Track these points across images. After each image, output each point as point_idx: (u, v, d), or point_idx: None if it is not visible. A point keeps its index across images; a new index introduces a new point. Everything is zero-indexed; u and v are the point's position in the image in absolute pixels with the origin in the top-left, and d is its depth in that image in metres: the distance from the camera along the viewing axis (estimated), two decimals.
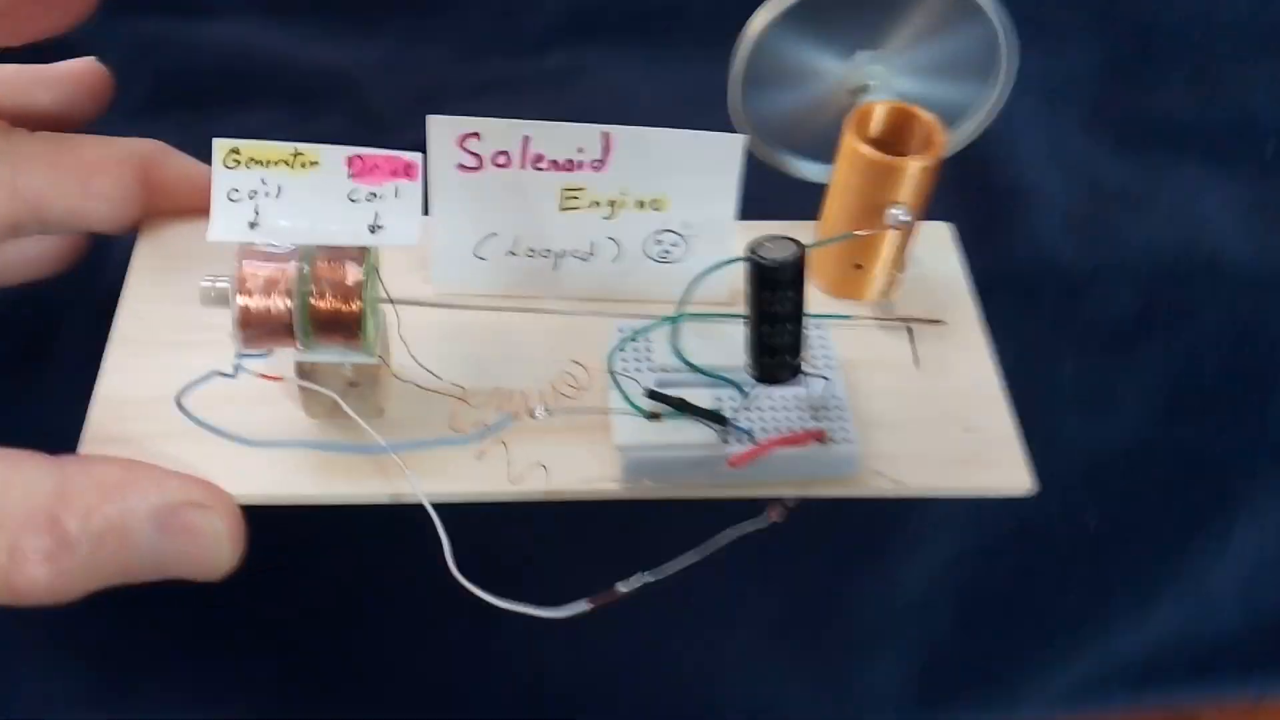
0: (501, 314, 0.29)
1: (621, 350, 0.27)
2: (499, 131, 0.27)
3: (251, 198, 0.25)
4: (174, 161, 0.30)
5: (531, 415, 0.27)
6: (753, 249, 0.24)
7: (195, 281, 0.25)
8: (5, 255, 0.29)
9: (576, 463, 0.26)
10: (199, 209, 0.29)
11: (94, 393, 0.27)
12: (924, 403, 0.27)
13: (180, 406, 0.25)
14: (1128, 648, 0.33)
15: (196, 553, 0.25)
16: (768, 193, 0.29)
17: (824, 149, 0.29)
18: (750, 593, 0.32)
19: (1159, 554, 0.33)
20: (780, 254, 0.24)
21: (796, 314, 0.25)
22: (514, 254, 0.29)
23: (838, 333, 0.28)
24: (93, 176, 0.29)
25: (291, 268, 0.25)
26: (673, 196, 0.28)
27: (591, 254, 0.29)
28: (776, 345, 0.25)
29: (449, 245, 0.29)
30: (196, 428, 0.25)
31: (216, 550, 0.25)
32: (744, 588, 0.32)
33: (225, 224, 0.25)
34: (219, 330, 0.25)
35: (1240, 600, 0.34)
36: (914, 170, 0.27)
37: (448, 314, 0.29)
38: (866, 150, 0.27)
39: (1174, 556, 0.32)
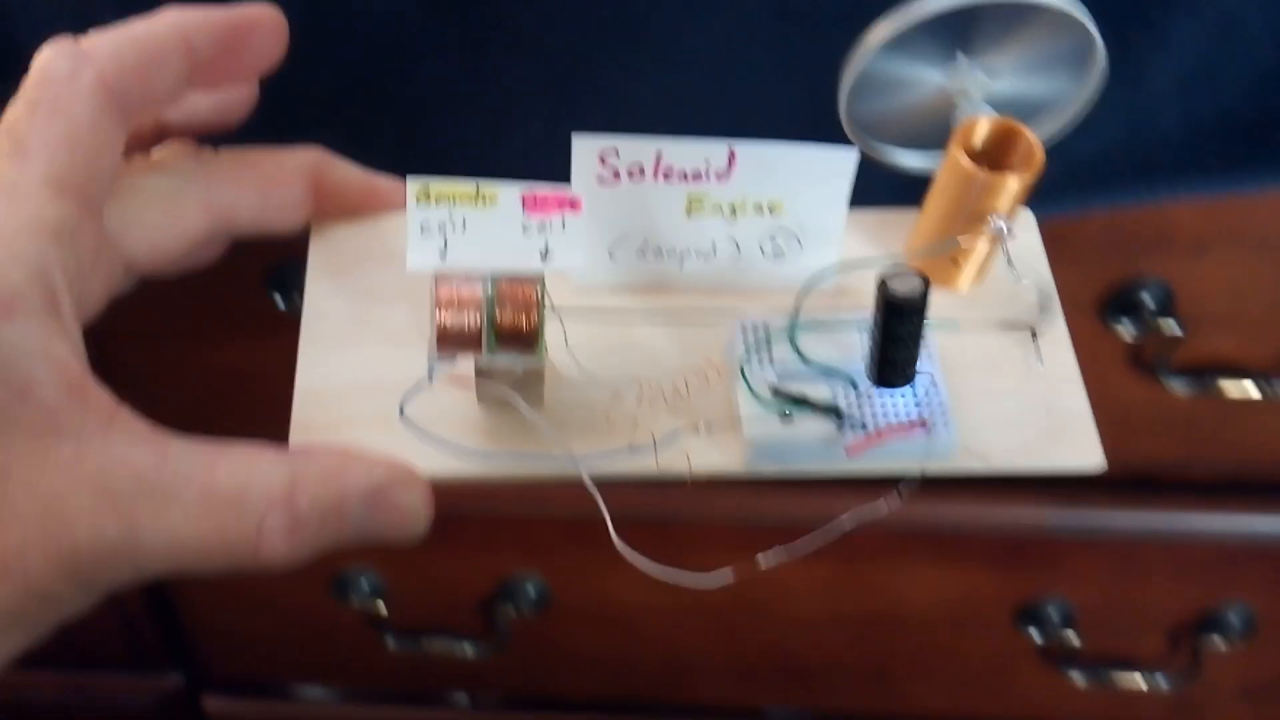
0: (637, 313, 0.33)
1: (744, 348, 0.32)
2: (634, 147, 0.31)
3: (440, 230, 0.30)
4: (338, 168, 0.34)
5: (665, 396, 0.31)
6: (884, 280, 0.28)
7: (367, 280, 0.32)
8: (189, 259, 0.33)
9: (709, 448, 0.31)
10: (361, 209, 0.34)
11: (295, 388, 0.32)
12: (1012, 393, 0.32)
13: (403, 416, 0.30)
14: (1072, 152, 0.35)
15: (398, 526, 0.30)
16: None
17: (921, 141, 0.33)
18: None
19: None
20: (908, 289, 0.29)
21: (917, 337, 0.29)
22: (643, 255, 0.33)
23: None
24: (272, 188, 0.33)
25: (479, 290, 0.30)
26: (788, 202, 0.32)
27: (713, 254, 0.33)
28: (897, 360, 0.30)
29: (588, 249, 0.33)
30: (383, 415, 0.31)
31: (415, 523, 0.30)
32: None
33: (419, 254, 0.30)
34: (391, 326, 0.32)
35: (1180, 100, 0.37)
36: (1015, 185, 0.31)
37: (594, 314, 0.33)
38: (970, 166, 0.31)
39: (1112, 56, 0.33)
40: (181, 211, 0.32)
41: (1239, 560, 0.74)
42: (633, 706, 0.90)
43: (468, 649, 0.81)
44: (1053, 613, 0.76)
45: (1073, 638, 0.77)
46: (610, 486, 0.30)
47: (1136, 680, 0.79)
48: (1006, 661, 0.81)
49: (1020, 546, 0.71)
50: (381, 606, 0.79)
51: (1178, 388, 0.62)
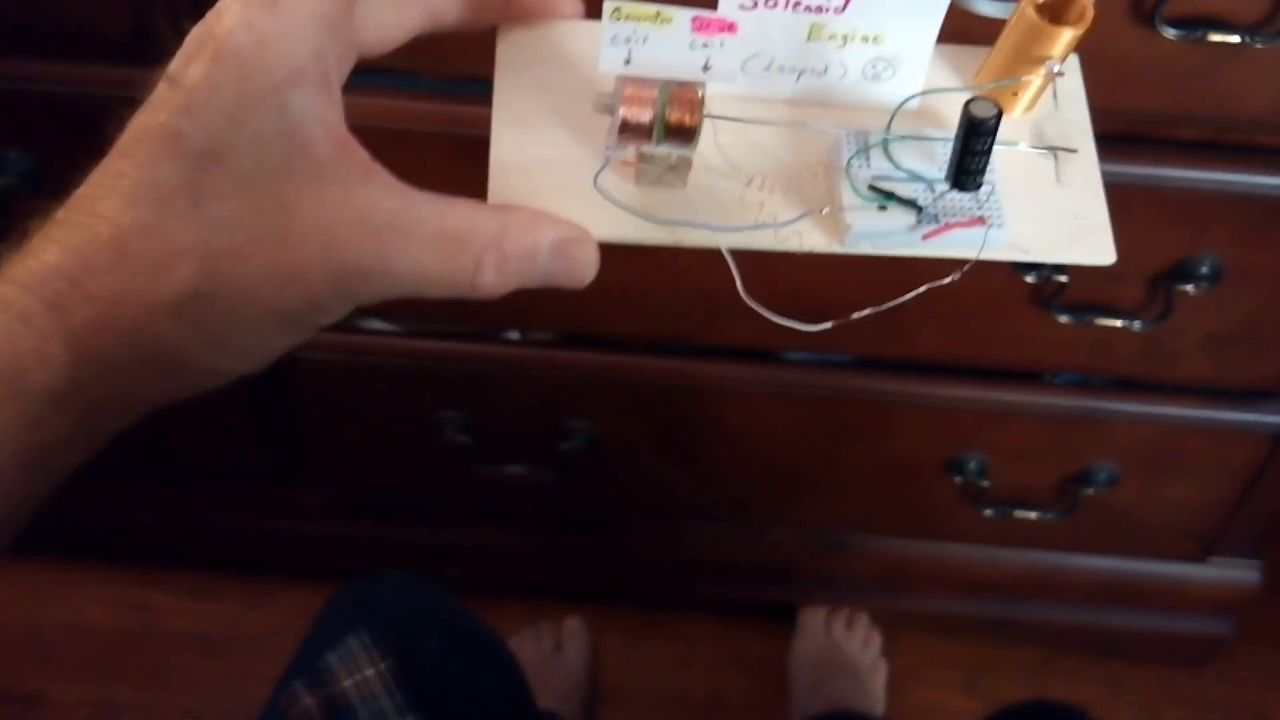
0: (765, 118, 0.43)
1: (848, 152, 0.42)
2: None
3: (627, 42, 0.40)
4: None
5: (821, 212, 0.42)
6: (968, 105, 0.39)
7: (547, 75, 0.41)
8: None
9: (818, 230, 0.42)
10: (539, 17, 0.43)
11: (490, 160, 0.42)
12: (1050, 201, 0.43)
13: (597, 188, 0.41)
14: None
15: (574, 273, 0.40)
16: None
17: None
18: None
19: None
20: (986, 113, 0.39)
21: (988, 150, 0.40)
22: (768, 70, 0.43)
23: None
24: None
25: (656, 92, 0.40)
26: (889, 34, 0.42)
27: (825, 73, 0.43)
28: (971, 169, 0.41)
29: (732, 64, 0.42)
30: (563, 186, 0.41)
31: (587, 272, 0.41)
32: None
33: (610, 60, 0.40)
34: (571, 115, 0.41)
35: None
36: (1069, 36, 0.41)
37: (731, 117, 0.43)
38: (1035, 17, 0.41)
39: None
40: (405, 10, 0.41)
41: (1213, 213, 0.87)
42: (669, 345, 1.04)
43: None
44: None
45: (1063, 279, 0.90)
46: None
47: (1115, 323, 0.93)
48: (1001, 304, 0.95)
49: None
50: None
51: (1170, 34, 0.72)
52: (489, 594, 1.14)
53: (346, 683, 0.74)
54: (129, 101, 0.37)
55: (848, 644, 1.30)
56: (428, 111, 0.84)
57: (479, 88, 0.80)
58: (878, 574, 1.28)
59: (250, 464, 1.21)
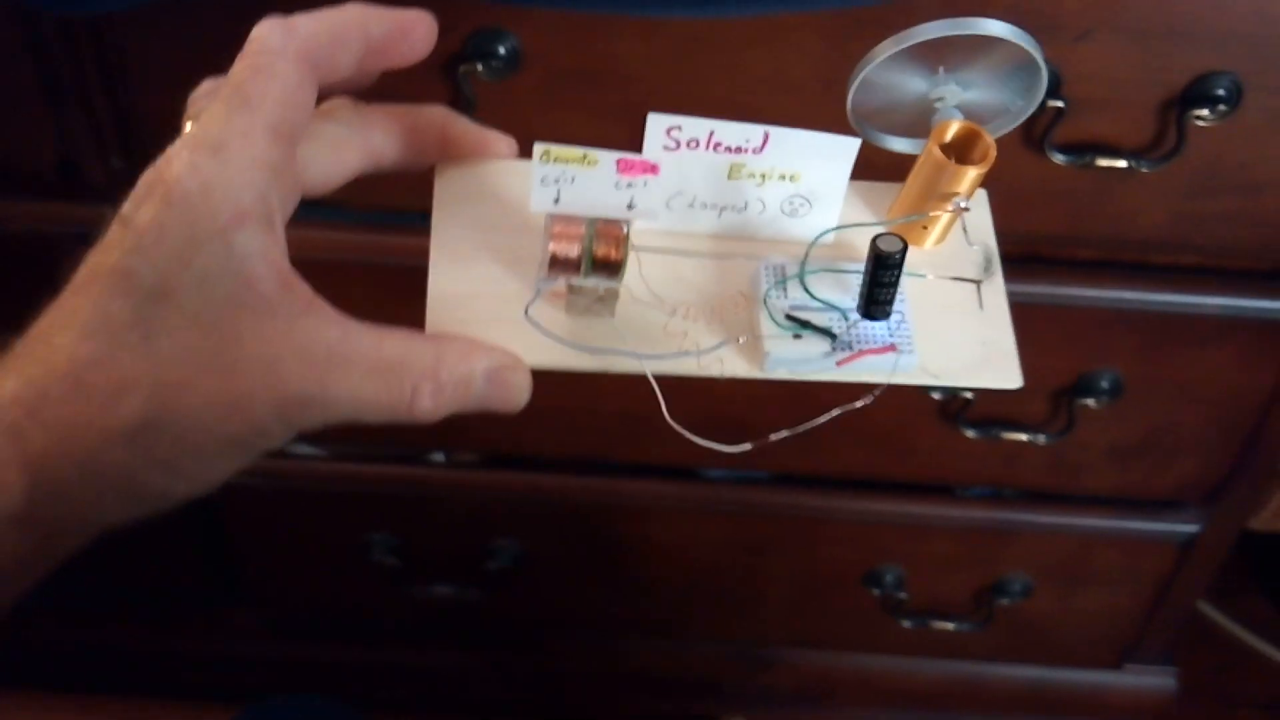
0: (687, 252, 0.46)
1: (767, 283, 0.44)
2: (693, 125, 0.43)
3: (556, 182, 0.42)
4: (460, 121, 0.45)
5: (739, 341, 0.44)
6: (875, 240, 0.41)
7: (481, 211, 0.44)
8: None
9: (738, 356, 0.44)
10: (476, 155, 0.46)
11: (429, 292, 0.44)
12: (959, 328, 0.45)
13: (529, 318, 0.42)
14: None
15: (507, 399, 0.42)
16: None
17: (907, 131, 0.45)
18: None
19: None
20: (892, 247, 0.42)
21: (895, 282, 0.42)
22: (692, 207, 0.45)
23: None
24: (412, 136, 0.44)
25: (583, 228, 0.42)
26: (805, 173, 0.44)
27: (745, 209, 0.45)
28: (881, 299, 0.43)
29: (656, 201, 0.44)
30: (496, 316, 0.43)
31: (519, 395, 0.43)
32: None
33: (540, 199, 0.42)
34: (503, 249, 0.44)
35: None
36: (974, 174, 0.44)
37: (655, 251, 0.45)
38: (941, 157, 0.43)
39: None
40: (347, 153, 0.43)
41: (1111, 329, 0.91)
42: (592, 464, 1.05)
43: None
44: None
45: (969, 396, 0.93)
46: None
47: (1020, 437, 0.96)
48: (911, 419, 0.98)
49: None
50: None
51: (1059, 160, 0.76)
52: (422, 714, 1.13)
53: None
54: (79, 239, 0.39)
55: None
56: (355, 242, 0.86)
57: (405, 219, 0.83)
58: (803, 687, 1.28)
59: (184, 587, 1.20)
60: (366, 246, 0.86)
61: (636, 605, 1.19)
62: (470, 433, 1.02)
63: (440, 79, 0.75)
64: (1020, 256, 0.84)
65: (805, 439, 0.99)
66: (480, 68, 0.74)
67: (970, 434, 0.95)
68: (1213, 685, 1.43)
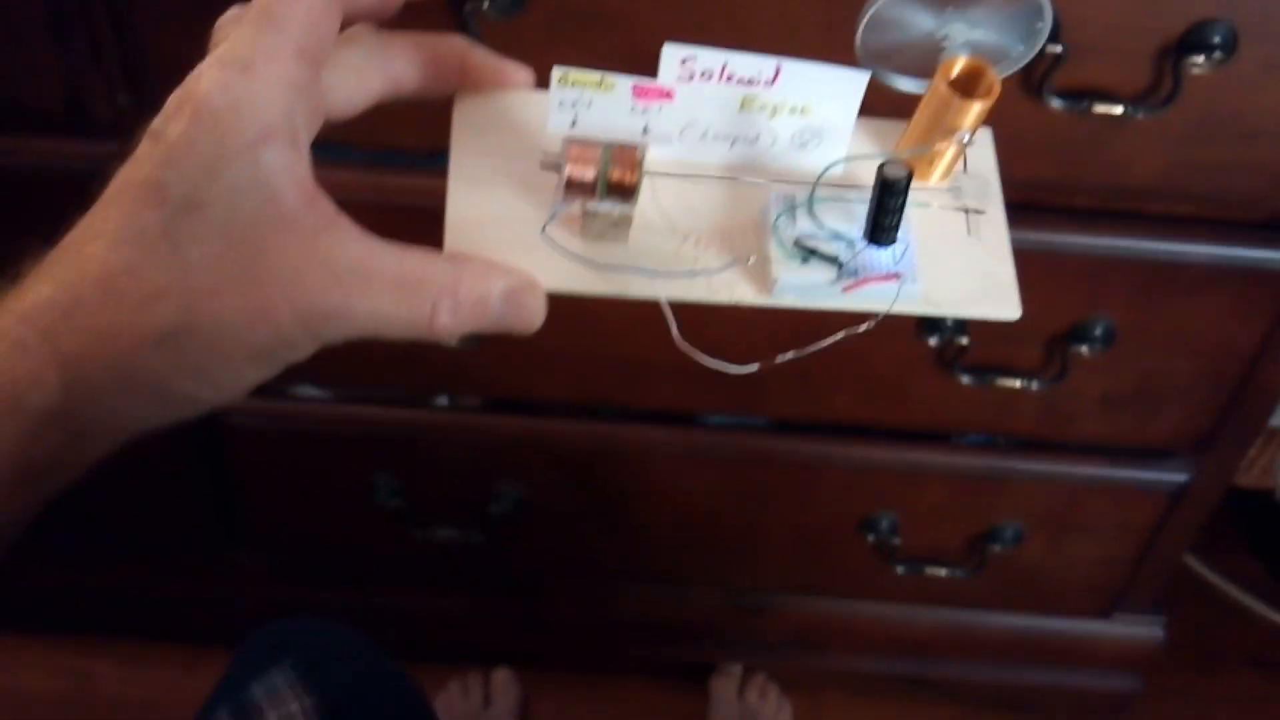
0: (700, 181, 0.47)
1: (776, 212, 0.46)
2: (708, 56, 0.44)
3: (573, 106, 0.43)
4: (478, 51, 0.46)
5: (748, 261, 0.46)
6: (882, 166, 0.43)
7: (499, 138, 0.44)
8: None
9: (747, 283, 0.46)
10: (493, 85, 0.47)
11: (446, 217, 0.45)
12: (962, 260, 0.47)
13: (545, 236, 0.44)
14: None
15: (522, 320, 0.43)
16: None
17: (914, 70, 0.47)
18: None
19: None
20: (897, 174, 0.43)
21: (901, 209, 0.44)
22: (704, 138, 0.46)
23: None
24: (432, 65, 0.45)
25: (599, 152, 0.43)
26: (815, 107, 0.46)
27: (757, 141, 0.47)
28: (886, 225, 0.45)
29: (671, 129, 0.46)
30: (513, 240, 0.44)
31: (534, 316, 0.44)
32: None
33: (558, 122, 0.44)
34: (521, 175, 0.44)
35: None
36: (978, 108, 0.45)
37: (669, 179, 0.47)
38: (947, 92, 0.45)
39: None
40: (368, 79, 0.44)
41: (1106, 277, 0.92)
42: (593, 409, 1.07)
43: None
44: (950, 321, 0.94)
45: (964, 342, 0.95)
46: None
47: (1014, 384, 0.98)
48: (908, 367, 0.99)
49: None
50: None
51: (1056, 105, 0.77)
52: (421, 658, 1.15)
53: (271, 716, 0.76)
54: (87, 175, 0.40)
55: (761, 711, 1.32)
56: (360, 182, 0.87)
57: (412, 160, 0.84)
58: (797, 633, 1.30)
59: (187, 530, 1.22)
60: (374, 186, 0.87)
61: (635, 551, 1.21)
62: (472, 376, 1.03)
63: (447, 17, 0.76)
64: (1017, 203, 0.84)
65: (803, 385, 1.01)
66: (486, 6, 0.75)
67: (966, 380, 0.97)
68: (1200, 639, 1.46)
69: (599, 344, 0.97)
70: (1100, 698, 1.36)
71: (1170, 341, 0.96)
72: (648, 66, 0.44)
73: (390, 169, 0.86)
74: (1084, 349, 0.95)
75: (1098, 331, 0.94)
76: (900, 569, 1.16)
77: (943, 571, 1.17)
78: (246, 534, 1.21)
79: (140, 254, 0.38)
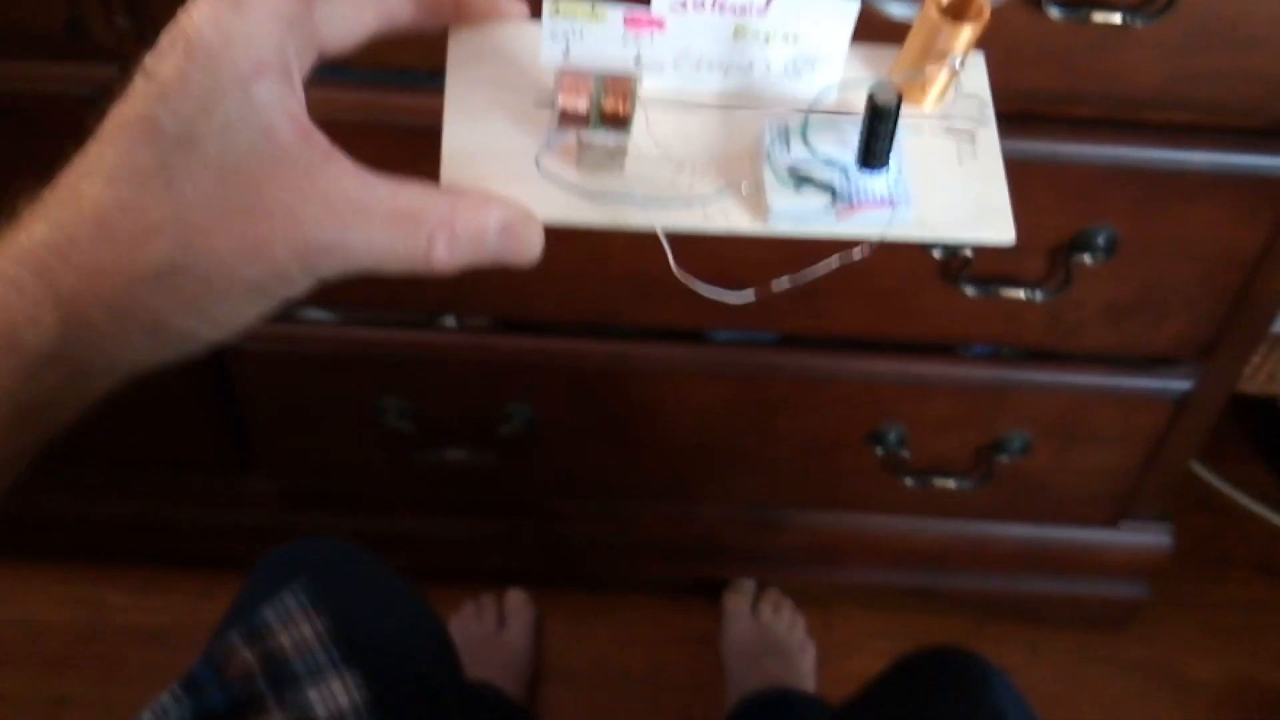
0: (695, 109, 0.48)
1: (770, 139, 0.47)
2: None
3: (565, 37, 0.44)
4: None
5: (741, 188, 0.47)
6: (872, 92, 0.44)
7: (494, 71, 0.45)
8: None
9: (742, 211, 0.47)
10: (486, 19, 0.47)
11: (443, 148, 0.46)
12: (955, 185, 0.48)
13: (540, 168, 0.45)
14: None
15: (520, 252, 0.44)
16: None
17: None
18: None
19: None
20: (887, 98, 0.44)
21: (891, 132, 0.45)
22: (699, 67, 0.48)
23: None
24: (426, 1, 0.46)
25: (591, 82, 0.44)
26: (808, 33, 0.47)
27: (751, 69, 0.48)
28: (877, 149, 0.46)
29: (664, 59, 0.47)
30: (509, 172, 0.45)
31: (532, 251, 0.45)
32: None
33: (550, 53, 0.45)
34: (516, 108, 0.45)
35: None
36: (969, 32, 0.46)
37: (664, 107, 0.48)
38: (938, 16, 0.46)
39: None
40: (363, 13, 0.45)
41: (1107, 187, 0.93)
42: (601, 328, 1.08)
43: None
44: None
45: (968, 254, 0.96)
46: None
47: (1018, 294, 0.99)
48: (913, 279, 1.00)
49: None
50: None
51: (1055, 14, 0.78)
52: (435, 580, 1.17)
53: (284, 638, 0.77)
54: (88, 100, 0.41)
55: (775, 626, 1.35)
56: (359, 101, 0.88)
57: (412, 78, 0.85)
58: (808, 548, 1.33)
59: (197, 456, 1.24)
60: (374, 105, 0.88)
61: (646, 469, 1.23)
62: (479, 297, 1.04)
63: None
64: (1018, 114, 0.86)
65: (809, 300, 1.03)
66: None
67: (970, 292, 0.98)
68: (1208, 546, 1.48)
69: (605, 262, 0.98)
70: (1109, 606, 1.38)
71: (1172, 249, 0.97)
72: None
73: (392, 88, 0.87)
74: (1087, 258, 0.96)
75: (1100, 240, 0.95)
76: (909, 481, 1.18)
77: (951, 483, 1.18)
78: (256, 459, 1.23)
79: (135, 191, 0.39)
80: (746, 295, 0.48)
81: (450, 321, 1.07)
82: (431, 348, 1.08)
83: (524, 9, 0.48)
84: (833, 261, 0.48)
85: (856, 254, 0.48)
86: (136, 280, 0.39)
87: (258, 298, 0.41)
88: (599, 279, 1.00)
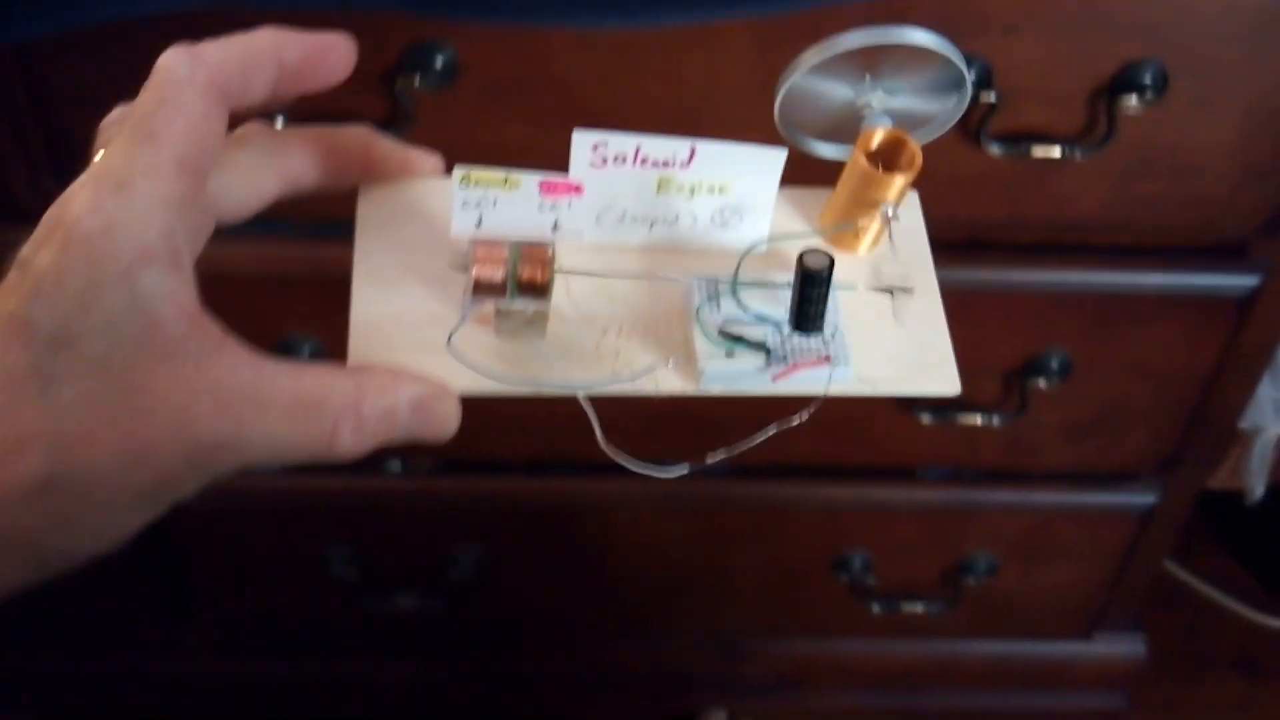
0: (618, 269, 0.46)
1: (699, 298, 0.45)
2: (619, 141, 0.43)
3: (478, 206, 0.42)
4: (381, 142, 0.45)
5: (639, 333, 0.44)
6: (801, 256, 0.42)
7: (406, 232, 0.43)
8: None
9: (672, 374, 0.44)
10: (398, 175, 0.45)
11: (351, 319, 0.43)
12: (895, 336, 0.46)
13: (450, 349, 0.42)
14: None
15: (435, 429, 0.42)
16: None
17: (835, 137, 0.46)
18: None
19: None
20: (818, 264, 0.42)
21: (824, 297, 0.43)
22: (622, 221, 0.45)
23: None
24: (330, 159, 0.44)
25: (507, 251, 0.42)
26: (733, 184, 0.45)
27: (676, 222, 0.45)
28: (811, 314, 0.43)
29: (583, 216, 0.44)
30: (422, 343, 0.42)
31: (447, 424, 0.42)
32: None
33: (461, 224, 0.42)
34: (430, 271, 0.43)
35: None
36: (901, 182, 0.44)
37: (585, 270, 0.45)
38: (867, 166, 0.44)
39: None
40: (262, 180, 0.42)
41: (1056, 311, 0.92)
42: (548, 465, 1.05)
43: None
44: None
45: None
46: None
47: (975, 420, 0.97)
48: (868, 408, 0.98)
49: None
50: None
51: (995, 151, 0.77)
52: None
53: None
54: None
55: None
56: (298, 256, 0.86)
57: (345, 230, 0.82)
58: (778, 675, 1.29)
59: (135, 604, 1.19)
60: (312, 259, 0.86)
61: (606, 603, 1.19)
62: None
63: (379, 92, 0.75)
64: (962, 242, 0.85)
65: (759, 426, 1.00)
66: (418, 80, 0.74)
67: (926, 420, 0.96)
68: (1183, 645, 1.45)
69: (549, 401, 0.96)
70: (1088, 717, 1.35)
71: (1127, 369, 0.95)
72: (588, 125, 0.43)
73: (331, 240, 0.85)
74: (1041, 382, 0.94)
75: (1054, 364, 0.94)
76: (876, 607, 1.15)
77: (919, 607, 1.16)
78: (198, 609, 1.19)
79: (4, 400, 0.35)
80: (680, 469, 0.45)
81: (395, 465, 1.04)
82: (376, 493, 1.05)
83: (438, 163, 0.46)
84: (770, 430, 0.46)
85: (795, 420, 0.45)
86: (6, 500, 0.35)
87: (143, 505, 0.37)
88: (543, 418, 0.98)
